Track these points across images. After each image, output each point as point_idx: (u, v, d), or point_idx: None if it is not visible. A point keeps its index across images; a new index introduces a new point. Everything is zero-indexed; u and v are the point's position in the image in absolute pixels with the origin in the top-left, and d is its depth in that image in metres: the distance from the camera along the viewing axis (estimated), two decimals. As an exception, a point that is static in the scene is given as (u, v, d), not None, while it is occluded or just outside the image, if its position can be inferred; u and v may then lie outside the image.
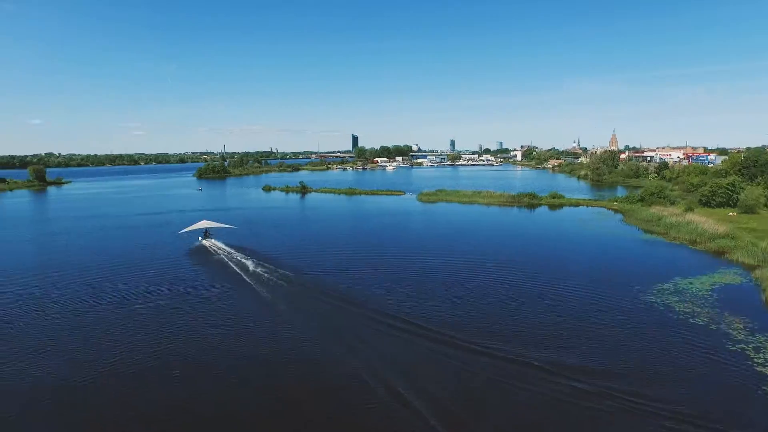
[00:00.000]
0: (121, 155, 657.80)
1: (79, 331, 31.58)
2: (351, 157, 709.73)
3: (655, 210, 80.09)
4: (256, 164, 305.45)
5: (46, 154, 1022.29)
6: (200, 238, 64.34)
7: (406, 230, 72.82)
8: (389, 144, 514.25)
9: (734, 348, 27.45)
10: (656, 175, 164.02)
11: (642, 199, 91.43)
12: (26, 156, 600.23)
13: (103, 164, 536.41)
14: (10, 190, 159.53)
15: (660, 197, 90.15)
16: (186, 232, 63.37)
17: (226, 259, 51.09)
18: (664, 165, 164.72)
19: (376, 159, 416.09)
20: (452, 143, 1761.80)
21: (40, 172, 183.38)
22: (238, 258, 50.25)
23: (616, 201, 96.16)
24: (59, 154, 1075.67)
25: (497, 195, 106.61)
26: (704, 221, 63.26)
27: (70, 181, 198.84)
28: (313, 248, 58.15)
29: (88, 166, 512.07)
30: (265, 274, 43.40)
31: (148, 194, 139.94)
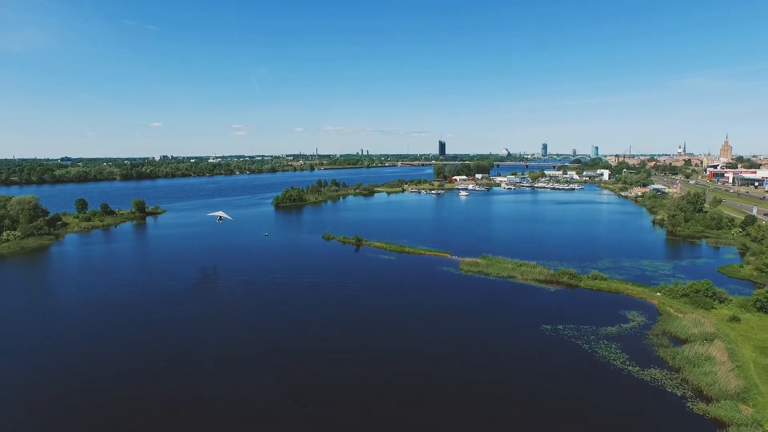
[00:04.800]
0: (219, 163, 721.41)
1: None
2: (433, 164, 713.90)
3: (690, 320, 74.91)
4: (334, 187, 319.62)
5: (161, 157, 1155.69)
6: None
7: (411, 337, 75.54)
8: (476, 148, 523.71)
9: None
10: (740, 230, 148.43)
11: (686, 295, 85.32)
12: (143, 164, 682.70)
13: (203, 174, 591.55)
14: (115, 225, 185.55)
15: (707, 295, 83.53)
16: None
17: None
18: (751, 219, 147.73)
19: (454, 177, 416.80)
20: (544, 147, 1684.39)
21: (140, 204, 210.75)
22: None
23: (660, 291, 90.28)
24: (171, 157, 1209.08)
25: (537, 270, 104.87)
26: (723, 362, 58.75)
27: (165, 211, 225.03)
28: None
29: (190, 176, 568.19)
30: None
31: (217, 241, 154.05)
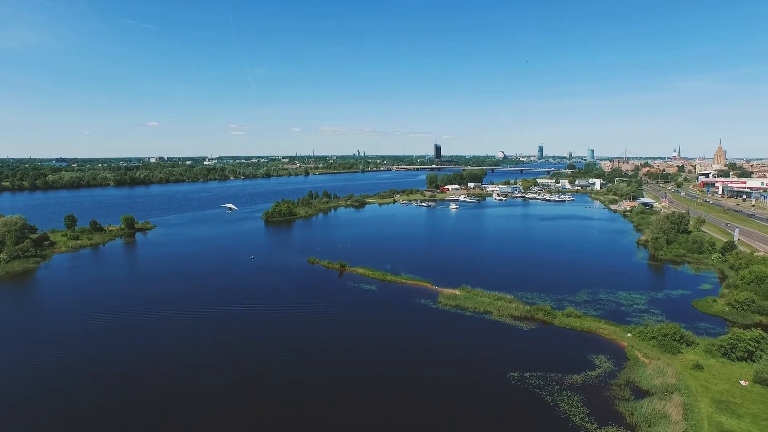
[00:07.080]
0: (214, 167, 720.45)
1: None
2: (427, 169, 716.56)
3: (654, 368, 76.51)
4: (325, 199, 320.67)
5: (157, 158, 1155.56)
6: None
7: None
8: (473, 150, 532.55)
9: None
10: (720, 255, 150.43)
11: (655, 337, 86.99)
12: (137, 167, 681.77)
13: (197, 179, 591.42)
14: (104, 243, 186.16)
15: (674, 339, 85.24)
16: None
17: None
18: (730, 246, 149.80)
19: (446, 186, 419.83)
20: (540, 150, 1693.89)
21: (130, 220, 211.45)
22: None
23: (631, 332, 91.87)
24: (167, 158, 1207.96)
25: (513, 306, 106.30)
26: (677, 421, 60.28)
27: (155, 226, 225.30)
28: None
29: (184, 181, 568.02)
30: None
31: (203, 264, 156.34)
